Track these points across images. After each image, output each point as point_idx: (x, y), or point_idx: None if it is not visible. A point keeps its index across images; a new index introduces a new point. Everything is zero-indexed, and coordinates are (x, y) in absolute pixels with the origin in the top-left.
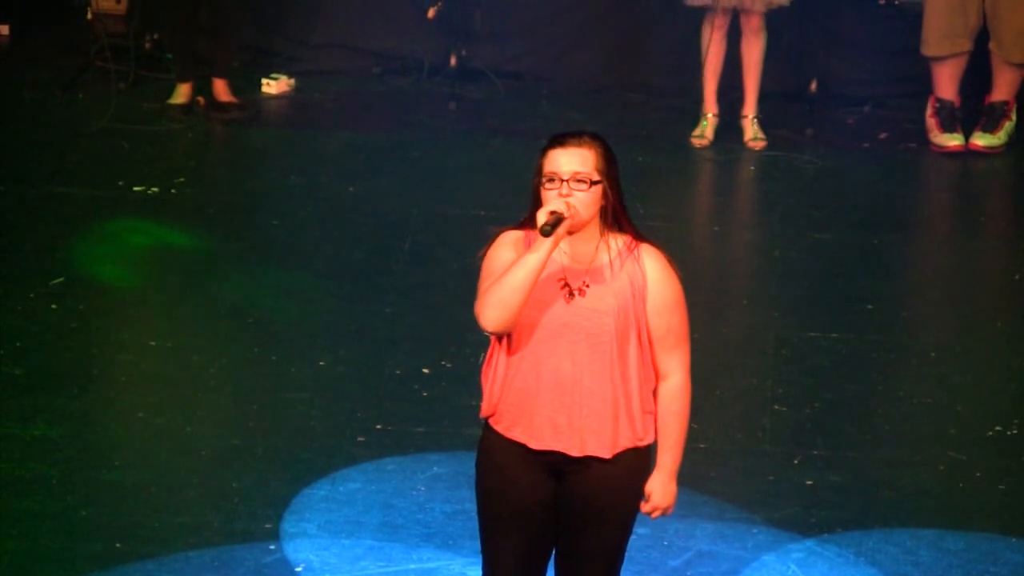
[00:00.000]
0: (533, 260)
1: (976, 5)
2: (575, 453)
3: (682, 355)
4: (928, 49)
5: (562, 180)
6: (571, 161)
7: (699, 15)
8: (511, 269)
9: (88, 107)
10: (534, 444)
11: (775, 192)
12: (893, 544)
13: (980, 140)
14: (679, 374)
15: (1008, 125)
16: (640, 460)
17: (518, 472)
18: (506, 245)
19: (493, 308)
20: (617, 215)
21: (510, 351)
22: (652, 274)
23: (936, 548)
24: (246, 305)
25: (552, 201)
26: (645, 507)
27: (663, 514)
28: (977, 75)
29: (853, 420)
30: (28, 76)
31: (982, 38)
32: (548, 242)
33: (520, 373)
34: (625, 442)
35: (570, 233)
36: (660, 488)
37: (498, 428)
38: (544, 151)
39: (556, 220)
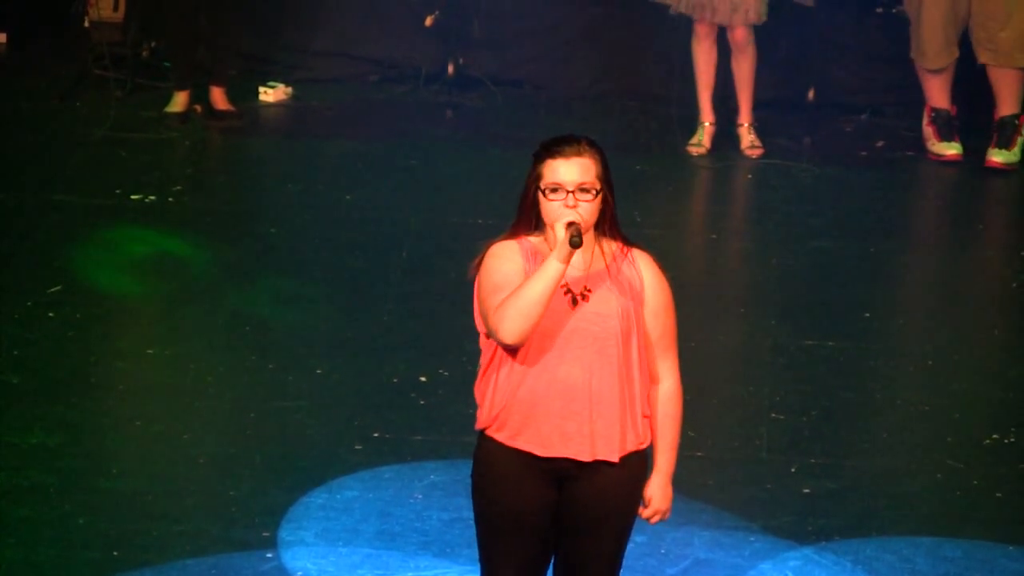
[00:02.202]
0: (553, 271)
1: (963, 13)
2: (585, 458)
3: (674, 358)
4: (928, 63)
5: (567, 191)
6: (574, 171)
7: (691, 24)
8: (529, 281)
9: (85, 115)
10: (542, 452)
11: (772, 200)
12: (890, 552)
13: (998, 157)
14: (672, 377)
15: (1021, 140)
16: (642, 464)
17: (520, 481)
18: (505, 257)
19: (514, 320)
20: (611, 221)
21: (515, 361)
22: (648, 277)
23: (933, 556)
24: (243, 313)
25: (563, 213)
26: (645, 512)
27: (661, 518)
28: (970, 85)
29: (850, 428)
30: (26, 84)
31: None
32: (566, 252)
33: (527, 382)
34: (630, 445)
35: None
36: (659, 492)
37: (499, 438)
38: (540, 159)
39: (579, 230)
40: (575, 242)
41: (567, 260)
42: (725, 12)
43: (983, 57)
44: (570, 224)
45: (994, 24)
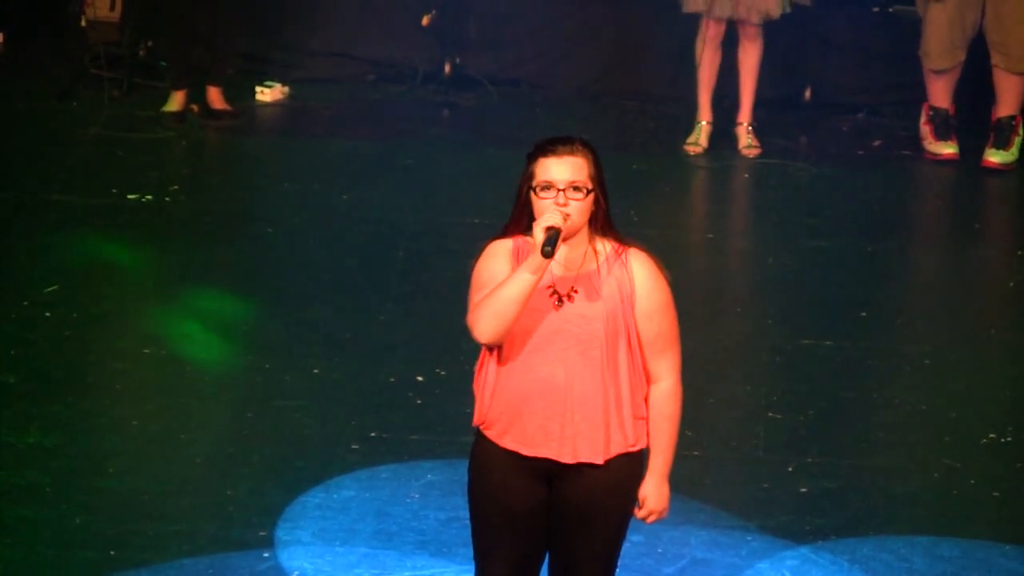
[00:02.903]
0: (528, 277)
1: (973, 18)
2: (567, 460)
3: (673, 358)
4: (931, 63)
5: (558, 189)
6: (566, 170)
7: (694, 23)
8: (505, 283)
9: (83, 115)
10: (526, 451)
11: (769, 200)
12: (887, 551)
13: (995, 157)
14: (670, 377)
15: (1018, 140)
16: (632, 465)
17: (509, 478)
18: (495, 256)
19: (487, 321)
20: (604, 222)
21: (501, 359)
22: (640, 278)
23: (930, 555)
24: (240, 313)
25: (547, 214)
26: (640, 512)
27: (658, 517)
28: (969, 85)
29: (847, 427)
30: (23, 84)
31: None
32: (538, 263)
33: (511, 381)
34: (617, 448)
35: (561, 240)
36: (654, 492)
37: (489, 435)
38: (533, 158)
39: (554, 237)
40: (546, 251)
41: (539, 271)
42: (747, 6)
43: (995, 59)
44: (548, 228)
45: (1007, 29)
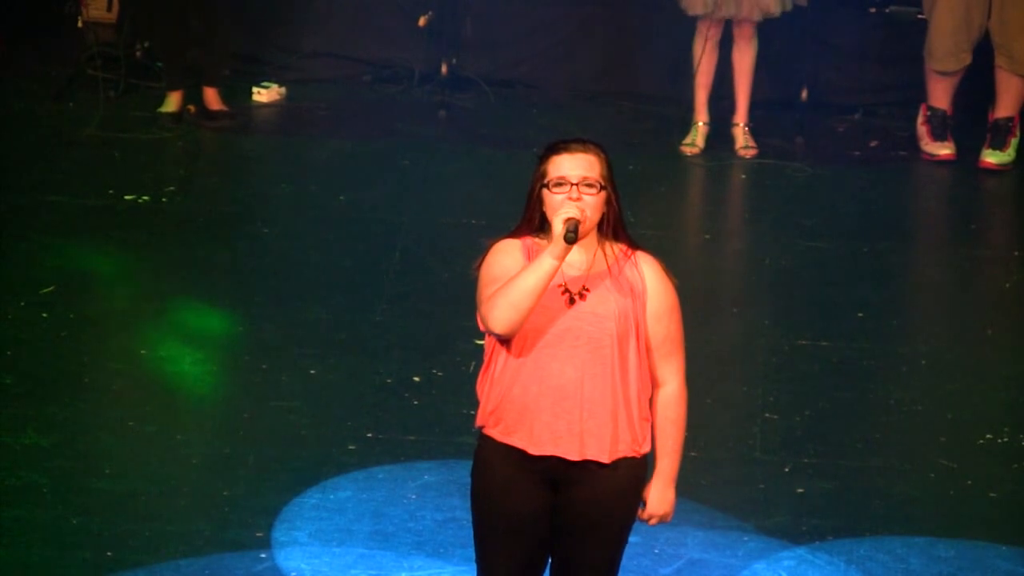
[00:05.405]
0: (547, 266)
1: (978, 21)
2: (574, 457)
3: (678, 362)
4: (935, 64)
5: (571, 184)
6: (579, 166)
7: (691, 23)
8: (523, 272)
9: (78, 116)
10: (533, 450)
11: (766, 200)
12: (884, 552)
13: (992, 158)
14: (675, 381)
15: (1014, 141)
16: (637, 469)
17: (515, 481)
18: (506, 252)
19: (504, 310)
20: (615, 224)
21: (509, 357)
22: (651, 280)
23: (927, 556)
24: (236, 313)
25: (563, 207)
26: (643, 514)
27: (661, 521)
28: (966, 85)
29: (844, 428)
30: (19, 85)
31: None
32: (561, 249)
33: (520, 379)
34: (624, 449)
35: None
36: (658, 495)
37: (494, 434)
38: (546, 157)
39: (575, 225)
40: (570, 238)
41: (561, 257)
42: (750, 5)
43: (999, 61)
44: (568, 219)
45: (1011, 32)
